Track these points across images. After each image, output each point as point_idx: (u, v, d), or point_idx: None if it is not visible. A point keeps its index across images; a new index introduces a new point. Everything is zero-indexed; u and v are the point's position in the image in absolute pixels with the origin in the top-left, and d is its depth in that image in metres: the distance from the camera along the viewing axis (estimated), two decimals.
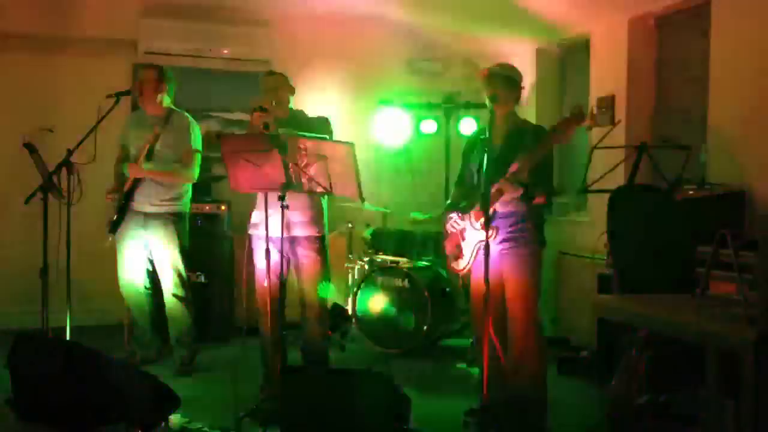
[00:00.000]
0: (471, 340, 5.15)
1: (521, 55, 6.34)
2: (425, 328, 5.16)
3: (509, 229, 3.65)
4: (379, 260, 5.61)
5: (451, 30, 6.48)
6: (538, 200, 3.58)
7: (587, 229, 5.32)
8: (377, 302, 5.34)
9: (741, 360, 2.45)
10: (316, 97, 6.06)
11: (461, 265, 3.80)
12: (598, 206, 4.92)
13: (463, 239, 3.79)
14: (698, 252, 2.98)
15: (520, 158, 3.49)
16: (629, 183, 3.96)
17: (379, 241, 5.68)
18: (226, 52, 6.12)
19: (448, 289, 5.47)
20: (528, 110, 6.22)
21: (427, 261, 5.57)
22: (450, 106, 6.25)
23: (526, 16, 5.68)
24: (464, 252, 3.78)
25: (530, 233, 3.64)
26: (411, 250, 5.58)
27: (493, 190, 3.48)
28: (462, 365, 5.03)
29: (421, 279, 5.26)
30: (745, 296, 2.64)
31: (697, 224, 3.70)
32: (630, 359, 3.72)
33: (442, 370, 5.01)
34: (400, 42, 6.68)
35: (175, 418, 3.65)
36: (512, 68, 3.86)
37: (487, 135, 3.60)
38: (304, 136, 3.65)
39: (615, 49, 5.32)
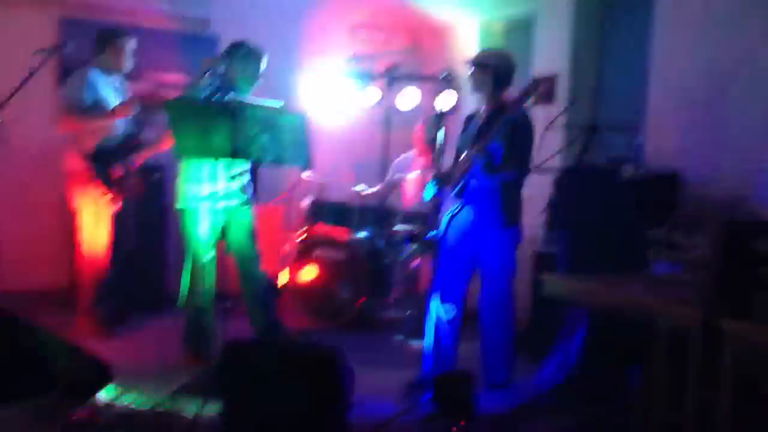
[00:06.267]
0: (408, 312, 5.17)
1: (465, 29, 6.32)
2: (362, 300, 5.15)
3: (482, 205, 3.76)
4: (316, 231, 5.54)
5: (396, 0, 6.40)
6: (506, 175, 3.65)
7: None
8: (314, 274, 5.29)
9: (687, 339, 2.53)
10: None
11: (435, 233, 3.90)
12: (534, 184, 4.98)
13: (440, 209, 3.91)
14: (646, 233, 3.07)
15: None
16: (577, 163, 4.03)
17: (318, 212, 5.60)
18: (161, 9, 5.85)
19: (385, 261, 5.46)
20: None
21: (365, 233, 5.53)
22: (392, 77, 6.19)
23: None
24: (440, 221, 3.91)
25: (501, 210, 3.75)
26: (350, 222, 5.53)
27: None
28: (399, 337, 5.05)
29: (359, 251, 5.23)
30: (690, 277, 2.73)
31: (635, 204, 3.81)
32: (566, 336, 3.83)
33: (380, 342, 5.01)
34: (344, 9, 6.55)
35: (106, 392, 3.52)
36: (493, 54, 4.01)
37: (471, 115, 3.90)
38: (255, 104, 3.54)
39: (559, 29, 5.37)
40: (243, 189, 4.17)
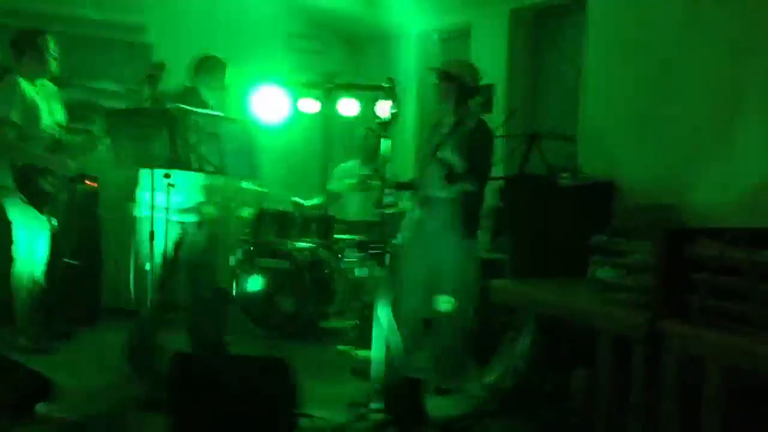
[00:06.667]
0: (353, 322, 5.17)
1: (403, 39, 6.38)
2: (306, 309, 5.12)
3: (441, 214, 3.82)
4: (259, 242, 5.48)
5: (333, 8, 6.41)
6: (465, 185, 3.74)
7: None
8: (258, 284, 5.23)
9: (631, 342, 2.62)
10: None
11: (398, 239, 3.99)
12: None
13: (403, 217, 4.02)
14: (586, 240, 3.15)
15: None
16: (520, 171, 4.12)
17: (260, 222, 5.55)
18: (91, 15, 5.70)
19: (327, 271, 5.44)
20: (409, 96, 6.30)
21: (308, 242, 5.50)
22: (330, 86, 6.20)
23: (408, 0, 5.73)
24: (403, 228, 4.00)
25: (460, 220, 3.81)
26: (292, 232, 5.49)
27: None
28: (344, 347, 5.04)
29: (302, 261, 5.20)
30: (634, 282, 2.82)
31: (574, 211, 3.91)
32: (512, 341, 3.90)
33: (324, 352, 4.99)
34: (280, 17, 6.52)
35: (43, 407, 3.40)
36: (459, 64, 4.03)
37: (437, 124, 3.96)
38: (197, 111, 3.49)
39: (495, 39, 5.48)
40: (200, 206, 4.11)
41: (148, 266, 3.61)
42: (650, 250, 2.56)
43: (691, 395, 2.40)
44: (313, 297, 5.14)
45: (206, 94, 4.10)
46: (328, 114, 6.07)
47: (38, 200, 4.26)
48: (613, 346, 2.75)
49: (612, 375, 2.75)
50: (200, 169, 3.57)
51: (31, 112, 4.28)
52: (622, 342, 2.69)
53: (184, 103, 3.65)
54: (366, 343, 4.80)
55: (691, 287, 2.42)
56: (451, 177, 3.67)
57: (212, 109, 3.97)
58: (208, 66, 4.09)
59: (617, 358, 2.73)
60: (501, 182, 4.12)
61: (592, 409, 3.04)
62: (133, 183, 4.13)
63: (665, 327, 2.41)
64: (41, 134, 4.32)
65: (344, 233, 5.47)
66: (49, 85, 4.51)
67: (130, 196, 5.54)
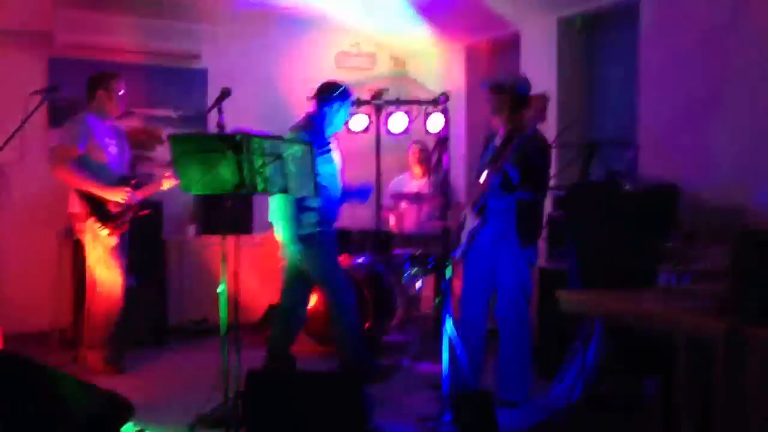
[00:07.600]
0: (414, 335, 5.19)
1: (451, 52, 6.41)
2: (366, 324, 5.15)
3: (499, 224, 3.87)
4: None
5: (379, 25, 6.48)
6: (522, 195, 3.77)
7: None
8: (317, 300, 5.28)
9: (710, 349, 2.57)
10: (243, 92, 5.91)
11: (459, 249, 4.04)
12: None
13: (463, 227, 4.04)
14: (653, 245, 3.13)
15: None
16: (581, 180, 4.10)
17: None
18: (150, 46, 5.86)
19: (386, 286, 5.47)
20: (458, 108, 6.31)
21: (365, 257, 5.54)
22: (379, 103, 6.25)
23: (455, 13, 5.75)
24: (462, 238, 4.04)
25: (518, 229, 3.85)
26: (349, 247, 5.54)
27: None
28: (407, 361, 5.05)
29: (360, 276, 5.24)
30: (703, 287, 2.79)
31: (638, 217, 3.87)
32: (579, 350, 3.87)
33: (387, 366, 5.01)
34: (328, 37, 6.62)
35: (127, 428, 3.48)
36: (510, 77, 4.09)
37: (491, 136, 4.03)
38: (260, 135, 3.57)
39: (545, 48, 5.47)
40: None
41: (220, 288, 3.68)
42: (728, 254, 2.52)
43: None
44: (373, 312, 5.17)
45: (335, 118, 4.42)
46: (379, 130, 6.11)
47: (106, 221, 4.41)
48: (690, 353, 2.71)
49: (689, 384, 2.70)
50: (266, 191, 3.66)
51: (97, 147, 4.46)
52: (698, 348, 2.65)
53: (308, 130, 4.16)
54: (427, 357, 4.84)
55: None
56: (508, 187, 3.68)
57: (337, 130, 4.47)
58: (341, 93, 4.38)
59: (694, 365, 2.69)
60: (558, 192, 4.10)
61: (667, 418, 3.00)
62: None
63: (748, 333, 2.36)
64: (107, 168, 4.48)
65: (402, 247, 5.49)
66: (114, 123, 4.69)
67: (191, 219, 5.72)
